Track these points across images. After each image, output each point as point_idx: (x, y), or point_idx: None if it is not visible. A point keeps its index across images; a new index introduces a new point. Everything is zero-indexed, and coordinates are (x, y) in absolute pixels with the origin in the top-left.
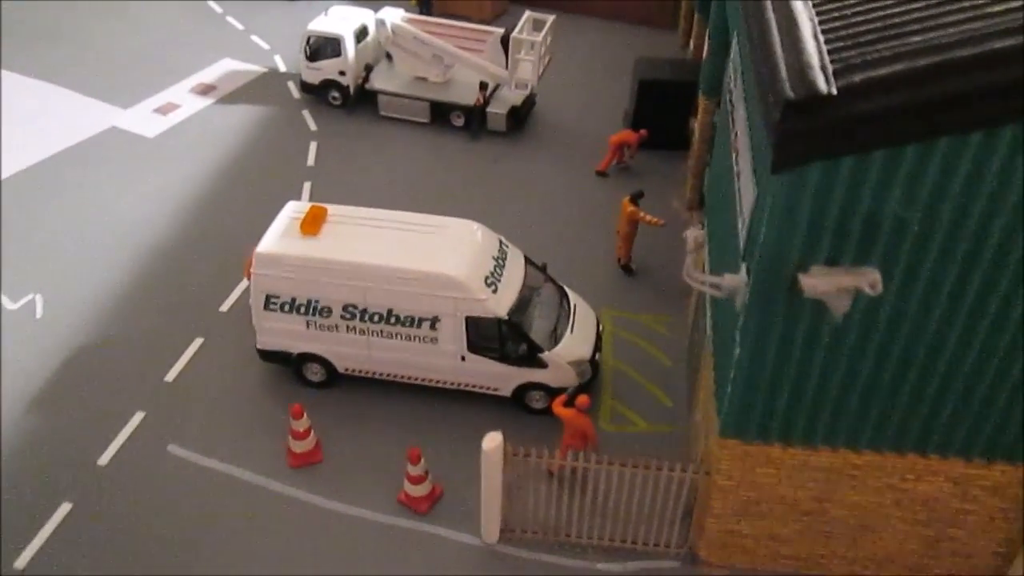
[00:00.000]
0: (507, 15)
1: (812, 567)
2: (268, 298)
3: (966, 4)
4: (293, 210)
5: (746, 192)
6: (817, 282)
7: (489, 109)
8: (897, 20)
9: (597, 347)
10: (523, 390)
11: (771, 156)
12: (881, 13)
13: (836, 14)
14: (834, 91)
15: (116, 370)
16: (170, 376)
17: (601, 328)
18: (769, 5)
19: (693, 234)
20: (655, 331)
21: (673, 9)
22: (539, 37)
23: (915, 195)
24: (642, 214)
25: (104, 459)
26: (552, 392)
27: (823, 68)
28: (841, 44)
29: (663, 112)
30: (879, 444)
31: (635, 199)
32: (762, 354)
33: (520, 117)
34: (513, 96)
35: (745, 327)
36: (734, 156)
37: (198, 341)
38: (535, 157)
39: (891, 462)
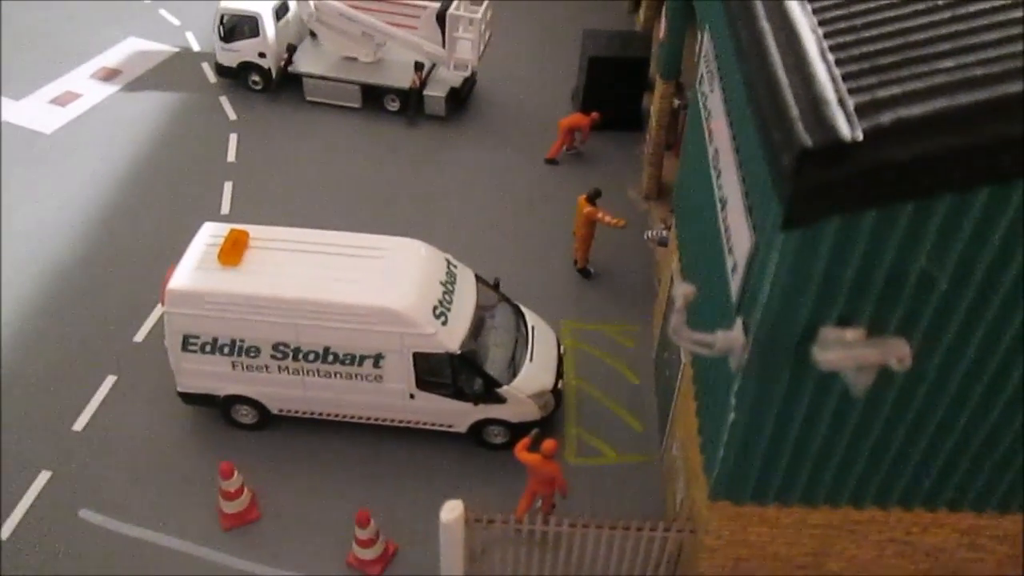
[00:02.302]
0: None
1: None
2: (186, 338)
3: (998, 18)
4: (210, 234)
5: (736, 230)
6: (834, 357)
7: (426, 92)
8: (920, 36)
9: (559, 373)
10: (481, 425)
11: (781, 211)
12: (898, 26)
13: (843, 24)
14: (860, 136)
15: (13, 419)
16: (79, 424)
17: (563, 350)
18: (760, 5)
19: (683, 290)
20: (620, 344)
21: None
22: (478, 13)
23: (948, 249)
24: (601, 214)
25: (4, 532)
26: (513, 428)
27: (842, 103)
28: (856, 67)
29: (615, 90)
30: (885, 501)
31: (592, 199)
32: (760, 419)
33: (460, 100)
34: (452, 77)
35: (742, 391)
36: (715, 176)
37: (110, 379)
38: (478, 144)
39: (896, 516)
